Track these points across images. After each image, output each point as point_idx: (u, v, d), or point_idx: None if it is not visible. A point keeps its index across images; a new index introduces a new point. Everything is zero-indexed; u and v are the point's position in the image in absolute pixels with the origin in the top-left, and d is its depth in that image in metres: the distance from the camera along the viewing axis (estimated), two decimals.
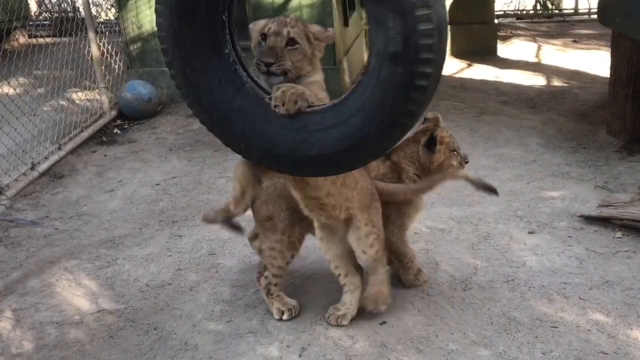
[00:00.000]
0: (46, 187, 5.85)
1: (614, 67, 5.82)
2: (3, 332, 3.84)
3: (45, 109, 7.07)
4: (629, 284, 3.81)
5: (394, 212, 3.78)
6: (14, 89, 6.45)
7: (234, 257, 4.31)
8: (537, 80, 7.67)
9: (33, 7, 12.28)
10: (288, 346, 3.51)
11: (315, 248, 4.42)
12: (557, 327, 3.50)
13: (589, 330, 3.46)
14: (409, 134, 3.46)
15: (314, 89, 2.91)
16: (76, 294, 4.18)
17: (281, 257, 3.73)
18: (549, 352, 3.32)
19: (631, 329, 3.45)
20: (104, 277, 4.34)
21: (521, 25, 10.95)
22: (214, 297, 4.02)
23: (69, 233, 4.98)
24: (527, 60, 8.52)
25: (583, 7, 11.55)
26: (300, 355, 3.42)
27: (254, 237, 4.08)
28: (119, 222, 5.09)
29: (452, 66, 8.38)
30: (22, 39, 10.58)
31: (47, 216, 5.29)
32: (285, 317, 3.76)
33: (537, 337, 3.44)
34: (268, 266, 3.77)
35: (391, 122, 2.62)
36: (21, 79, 7.11)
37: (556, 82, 7.56)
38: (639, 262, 4.02)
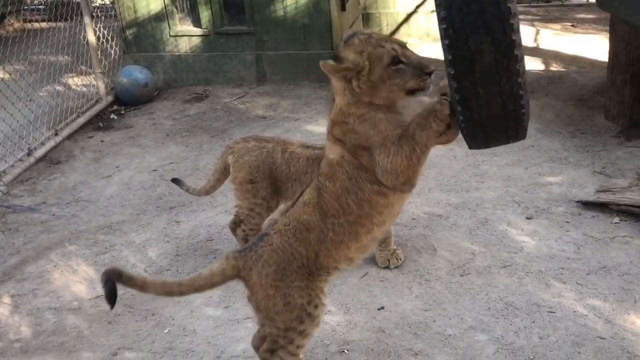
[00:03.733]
0: (43, 173, 5.83)
1: (612, 51, 5.79)
2: (1, 318, 3.84)
3: (41, 94, 7.03)
4: (626, 269, 3.82)
5: None
6: (10, 74, 6.41)
7: (232, 243, 4.30)
8: (535, 64, 7.63)
9: None
10: None
11: None
12: (554, 312, 3.51)
13: (586, 315, 3.47)
14: None
15: None
16: (74, 279, 4.18)
17: (259, 217, 4.02)
18: (546, 337, 3.33)
19: (628, 314, 3.46)
20: (101, 263, 4.33)
21: (519, 9, 10.90)
22: None
23: (66, 219, 4.97)
24: (525, 45, 8.47)
25: None
26: None
27: (235, 227, 4.13)
28: (116, 208, 5.08)
29: None
30: (16, 23, 10.49)
31: (44, 202, 5.28)
32: None
33: (534, 322, 3.45)
34: (245, 221, 4.06)
35: None
36: (16, 65, 7.05)
37: (554, 67, 7.53)
38: (637, 247, 4.02)
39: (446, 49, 2.15)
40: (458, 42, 2.11)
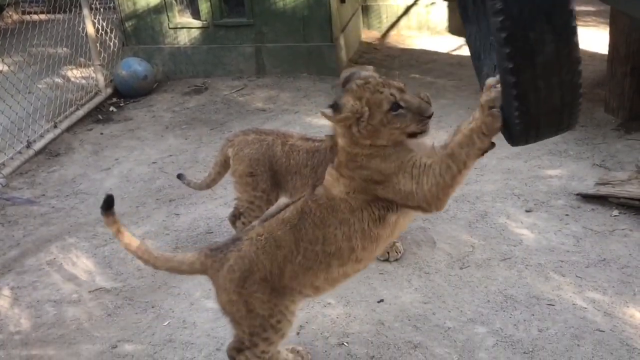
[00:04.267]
0: (42, 165, 5.82)
1: (612, 44, 5.78)
2: (1, 310, 3.85)
3: (40, 86, 7.02)
4: (626, 262, 3.83)
5: None
6: (9, 67, 6.39)
7: (231, 235, 4.30)
8: None
9: None
10: None
11: None
12: (553, 305, 3.52)
13: (586, 308, 3.48)
14: None
15: None
16: (73, 272, 4.18)
17: (259, 210, 4.02)
18: (545, 329, 3.34)
19: (627, 306, 3.47)
20: (101, 255, 4.33)
21: None
22: None
23: (66, 211, 4.97)
24: None
25: None
26: (297, 334, 3.44)
27: (235, 220, 4.14)
28: (116, 201, 5.03)
29: (450, 43, 8.32)
30: (15, 15, 10.46)
31: (44, 194, 5.28)
32: None
33: (533, 314, 3.46)
34: (245, 214, 4.06)
35: None
36: (15, 57, 7.04)
37: None
38: (636, 240, 4.02)
39: (503, 42, 2.03)
40: (517, 34, 1.99)
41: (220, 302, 2.80)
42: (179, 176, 4.38)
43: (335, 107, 2.45)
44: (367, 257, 2.70)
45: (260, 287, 2.70)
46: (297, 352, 3.20)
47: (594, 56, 7.42)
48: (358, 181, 2.56)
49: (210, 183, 4.26)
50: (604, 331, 3.30)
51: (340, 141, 2.59)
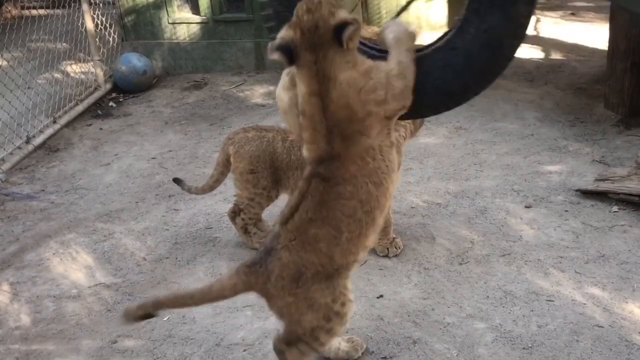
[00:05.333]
0: (42, 160, 5.82)
1: (612, 40, 5.77)
2: (1, 305, 3.85)
3: (39, 81, 7.01)
4: (625, 258, 3.83)
5: None
6: (8, 62, 6.38)
7: (231, 231, 4.30)
8: (535, 53, 7.61)
9: None
10: None
11: None
12: (552, 301, 3.52)
13: (585, 303, 3.48)
14: None
15: None
16: (73, 267, 4.19)
17: (259, 207, 4.08)
18: (544, 325, 3.34)
19: (626, 302, 3.47)
20: (100, 251, 4.34)
21: None
22: (211, 270, 4.02)
23: (65, 207, 4.97)
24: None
25: None
26: None
27: (234, 216, 4.14)
28: (115, 196, 5.08)
29: None
30: (14, 10, 10.44)
31: (43, 190, 5.28)
32: None
33: (532, 310, 3.46)
34: (245, 210, 4.08)
35: None
36: (14, 52, 7.02)
37: (554, 55, 7.51)
38: (635, 236, 4.03)
39: None
40: None
41: (276, 310, 2.75)
42: (176, 181, 4.35)
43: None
44: (395, 187, 2.80)
45: (315, 280, 2.67)
46: (353, 342, 3.19)
47: (593, 52, 7.42)
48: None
49: (213, 184, 4.25)
50: (603, 327, 3.30)
51: None
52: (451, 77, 2.72)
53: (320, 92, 2.52)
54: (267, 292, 2.70)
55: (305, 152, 2.66)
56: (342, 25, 2.47)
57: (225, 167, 4.15)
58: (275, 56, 2.50)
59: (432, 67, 2.71)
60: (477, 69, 2.77)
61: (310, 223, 2.64)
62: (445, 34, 2.83)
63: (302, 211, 2.65)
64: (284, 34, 2.54)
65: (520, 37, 2.77)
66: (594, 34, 7.94)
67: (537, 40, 8.09)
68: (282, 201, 4.28)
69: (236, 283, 2.72)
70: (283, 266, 2.65)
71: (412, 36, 2.69)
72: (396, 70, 2.57)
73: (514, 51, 2.79)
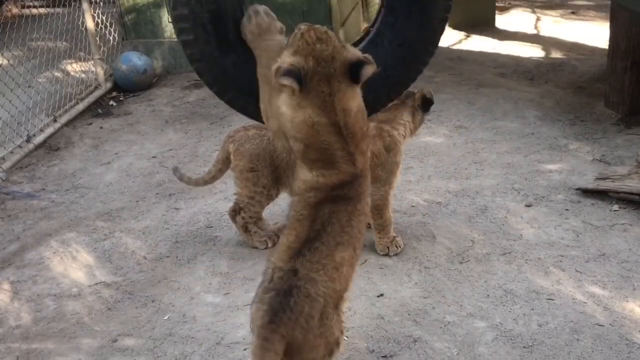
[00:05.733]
0: (42, 159, 5.82)
1: (612, 39, 5.77)
2: (1, 304, 3.85)
3: (39, 80, 7.01)
4: (625, 257, 3.83)
5: (381, 171, 3.84)
6: (8, 61, 6.38)
7: (231, 229, 4.30)
8: (535, 51, 7.61)
9: None
10: None
11: None
12: (553, 300, 3.52)
13: (585, 302, 3.48)
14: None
15: None
16: (73, 266, 4.19)
17: (259, 205, 4.08)
18: (545, 324, 3.34)
19: (627, 301, 3.47)
20: (101, 249, 4.34)
21: None
22: (212, 269, 4.03)
23: (66, 206, 4.97)
24: (525, 32, 8.46)
25: None
26: None
27: (235, 215, 4.14)
28: (116, 195, 5.08)
29: (450, 38, 8.30)
30: (14, 9, 10.44)
31: (44, 189, 5.28)
32: (270, 245, 4.12)
33: (533, 309, 3.46)
34: (245, 209, 4.08)
35: None
36: (15, 51, 7.02)
37: (554, 54, 7.51)
38: (636, 234, 4.03)
39: None
40: None
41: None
42: (174, 170, 4.36)
43: None
44: None
45: (334, 311, 2.55)
46: None
47: (593, 51, 7.42)
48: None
49: (209, 180, 4.26)
50: (603, 325, 3.30)
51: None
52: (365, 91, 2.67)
53: (337, 122, 2.49)
54: (296, 339, 2.43)
55: (317, 179, 2.54)
56: (360, 63, 2.48)
57: (224, 164, 4.15)
58: (285, 82, 2.42)
59: None
60: (391, 82, 2.88)
61: (337, 247, 2.51)
62: (356, 43, 2.90)
63: (327, 238, 2.50)
64: (294, 60, 2.47)
65: (436, 43, 2.90)
66: (594, 33, 7.94)
67: (537, 39, 8.09)
68: (283, 200, 4.29)
69: (275, 352, 2.38)
70: (313, 302, 2.44)
71: None
72: None
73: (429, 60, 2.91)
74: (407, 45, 2.81)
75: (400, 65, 2.82)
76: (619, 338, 3.21)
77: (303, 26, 2.56)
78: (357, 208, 2.57)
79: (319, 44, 2.48)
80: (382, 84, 2.81)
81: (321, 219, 2.51)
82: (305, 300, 2.43)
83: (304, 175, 2.57)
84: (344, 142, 2.51)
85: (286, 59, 2.49)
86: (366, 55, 2.50)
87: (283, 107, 2.54)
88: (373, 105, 2.83)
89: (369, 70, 2.47)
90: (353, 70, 2.47)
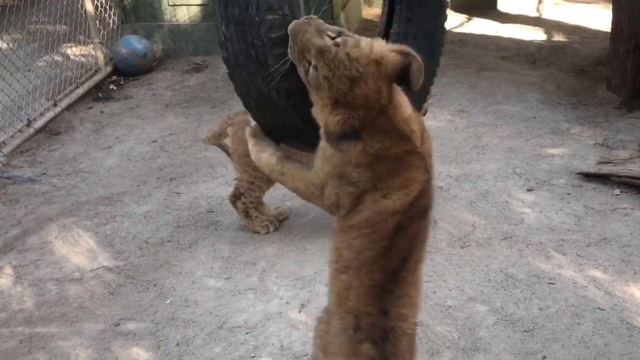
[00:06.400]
0: (42, 143, 5.81)
1: (615, 22, 5.74)
2: (4, 288, 3.86)
3: (39, 64, 6.98)
4: (627, 241, 3.83)
5: None
6: (7, 44, 6.35)
7: (233, 214, 4.31)
8: (537, 35, 7.57)
9: None
10: (288, 302, 3.54)
11: (313, 205, 4.42)
12: (554, 284, 3.53)
13: (586, 286, 3.49)
14: None
15: None
16: (75, 250, 4.19)
17: (259, 190, 4.07)
18: (545, 308, 3.35)
19: (628, 285, 3.48)
20: (102, 234, 4.34)
21: None
22: (213, 254, 4.03)
23: (67, 190, 4.97)
24: (527, 15, 8.41)
25: None
26: (300, 312, 3.46)
27: (235, 200, 4.14)
28: (117, 179, 5.08)
29: (452, 20, 8.25)
30: None
31: (45, 173, 5.27)
32: (271, 229, 4.16)
33: (534, 293, 3.47)
34: (245, 194, 4.08)
35: None
36: (14, 34, 6.99)
37: (557, 37, 7.47)
38: (637, 219, 4.03)
39: None
40: None
41: None
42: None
43: None
44: None
45: None
46: None
47: (596, 34, 7.39)
48: None
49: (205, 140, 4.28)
50: (604, 309, 3.31)
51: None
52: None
53: (404, 134, 2.16)
54: None
55: (396, 202, 2.13)
56: (405, 67, 2.04)
57: (215, 138, 4.15)
58: (345, 148, 2.05)
59: None
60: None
61: (417, 266, 2.22)
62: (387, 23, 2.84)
63: (411, 263, 2.18)
64: (338, 117, 2.03)
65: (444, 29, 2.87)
66: (597, 16, 7.90)
67: (539, 22, 8.05)
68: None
69: None
70: (408, 337, 2.21)
71: None
72: None
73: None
74: (430, 37, 2.76)
75: (429, 59, 2.72)
76: (619, 322, 3.22)
77: (313, 60, 2.07)
78: (431, 213, 2.23)
79: (357, 85, 2.01)
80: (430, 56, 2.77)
81: (406, 243, 2.16)
82: (402, 339, 2.17)
83: (379, 205, 2.14)
84: (411, 143, 2.15)
85: (330, 119, 2.05)
86: (402, 48, 2.06)
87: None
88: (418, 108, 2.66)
89: (417, 69, 2.01)
90: (400, 78, 2.05)
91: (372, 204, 2.14)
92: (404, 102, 2.14)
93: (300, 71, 2.16)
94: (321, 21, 2.13)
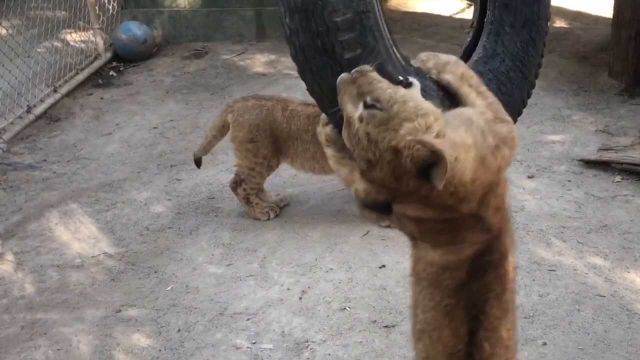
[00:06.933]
0: (43, 130, 5.80)
1: (617, 8, 5.71)
2: (5, 275, 3.87)
3: (39, 50, 6.94)
4: (627, 228, 3.84)
5: None
6: (7, 30, 6.32)
7: (233, 201, 4.31)
8: None
9: None
10: (288, 289, 3.54)
11: (314, 192, 4.44)
12: (554, 271, 3.53)
13: (586, 273, 3.50)
14: None
15: None
16: (76, 237, 4.20)
17: (260, 176, 4.08)
18: (546, 294, 3.36)
19: (628, 272, 3.49)
20: (103, 220, 4.34)
21: None
22: (214, 240, 4.04)
23: (68, 177, 4.97)
24: None
25: None
26: (300, 298, 3.46)
27: (236, 186, 4.14)
28: (117, 166, 5.07)
29: (452, 6, 8.22)
30: None
31: (45, 160, 5.27)
32: (272, 216, 4.16)
33: (534, 280, 3.48)
34: (246, 181, 4.08)
35: None
36: (13, 20, 6.95)
37: (558, 23, 7.44)
38: (638, 206, 4.03)
39: None
40: None
41: None
42: (197, 162, 4.33)
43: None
44: None
45: None
46: None
47: (598, 20, 7.35)
48: None
49: (207, 146, 4.24)
50: (604, 296, 3.32)
51: None
52: (509, 86, 2.39)
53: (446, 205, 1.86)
54: None
55: (447, 257, 1.90)
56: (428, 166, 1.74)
57: (219, 132, 4.14)
58: (372, 218, 1.95)
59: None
60: (526, 68, 2.49)
61: (500, 324, 1.94)
62: (472, 42, 2.50)
63: (488, 321, 1.91)
64: (365, 187, 1.89)
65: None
66: (599, 2, 7.84)
67: None
68: (284, 170, 4.29)
69: None
70: None
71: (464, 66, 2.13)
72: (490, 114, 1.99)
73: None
74: (529, 23, 2.52)
75: (529, 47, 2.55)
76: (619, 309, 3.23)
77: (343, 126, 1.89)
78: (507, 269, 1.94)
79: (366, 160, 1.81)
80: (520, 75, 2.48)
81: (473, 301, 1.91)
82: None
83: (428, 256, 1.93)
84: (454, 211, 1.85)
85: (358, 184, 1.93)
86: (433, 143, 1.71)
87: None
88: (522, 102, 2.53)
89: (441, 172, 1.69)
90: (421, 173, 1.75)
91: (424, 254, 1.94)
92: (461, 166, 1.78)
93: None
94: (370, 78, 1.85)
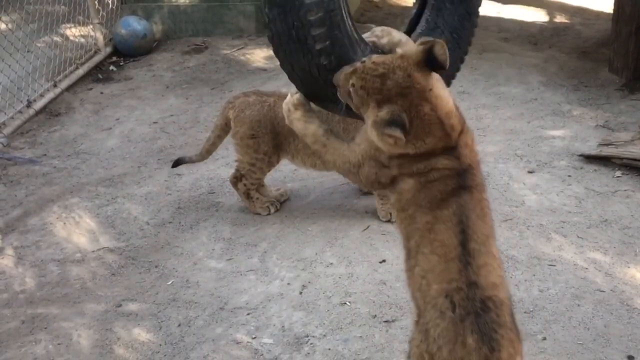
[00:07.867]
0: (43, 125, 5.80)
1: (617, 3, 5.70)
2: (6, 269, 3.87)
3: (39, 45, 6.94)
4: (627, 223, 3.84)
5: None
6: (6, 25, 6.31)
7: (234, 195, 4.31)
8: (539, 16, 7.53)
9: None
10: (289, 284, 3.55)
11: (314, 187, 4.44)
12: (554, 265, 3.54)
13: (586, 268, 3.50)
14: None
15: None
16: (77, 232, 4.20)
17: (260, 172, 4.08)
18: (546, 289, 3.36)
19: (628, 267, 3.49)
20: (103, 215, 4.35)
21: None
22: (215, 235, 4.04)
23: (68, 171, 4.97)
24: None
25: None
26: (300, 293, 3.47)
27: (236, 182, 4.14)
28: (117, 161, 5.07)
29: None
30: None
31: (45, 154, 5.26)
32: (272, 211, 4.17)
33: (534, 275, 3.48)
34: (246, 176, 4.09)
35: None
36: (13, 14, 6.94)
37: (559, 18, 7.43)
38: (638, 201, 4.03)
39: None
40: None
41: None
42: (176, 164, 4.37)
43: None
44: None
45: None
46: None
47: (598, 15, 7.34)
48: None
49: (210, 148, 4.25)
50: (604, 291, 3.32)
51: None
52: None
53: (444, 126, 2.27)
54: (518, 348, 2.11)
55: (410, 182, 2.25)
56: (428, 50, 2.19)
57: (223, 131, 4.14)
58: (390, 132, 2.14)
59: None
60: (463, 40, 2.87)
61: (489, 240, 2.23)
62: (416, 16, 2.90)
63: (476, 236, 2.16)
64: (386, 110, 2.15)
65: None
66: None
67: (541, 3, 7.99)
68: (284, 166, 4.29)
69: None
70: (507, 306, 2.14)
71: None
72: None
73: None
74: (467, 0, 2.83)
75: (465, 21, 2.83)
76: (619, 304, 3.23)
77: (350, 81, 2.27)
78: (484, 197, 2.26)
79: (387, 78, 2.18)
80: (456, 45, 2.83)
81: (457, 217, 2.16)
82: (502, 307, 2.09)
83: (406, 184, 2.27)
84: (448, 138, 2.23)
85: (376, 113, 2.19)
86: (423, 39, 2.22)
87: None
88: (457, 69, 2.89)
89: (440, 49, 2.13)
90: (428, 61, 2.17)
91: (403, 184, 2.28)
92: (444, 95, 2.24)
93: (350, 103, 2.34)
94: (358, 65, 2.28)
